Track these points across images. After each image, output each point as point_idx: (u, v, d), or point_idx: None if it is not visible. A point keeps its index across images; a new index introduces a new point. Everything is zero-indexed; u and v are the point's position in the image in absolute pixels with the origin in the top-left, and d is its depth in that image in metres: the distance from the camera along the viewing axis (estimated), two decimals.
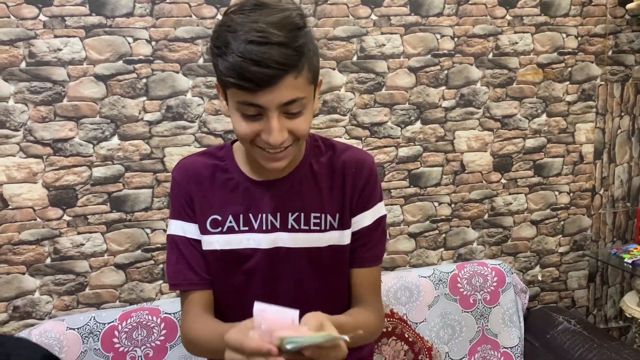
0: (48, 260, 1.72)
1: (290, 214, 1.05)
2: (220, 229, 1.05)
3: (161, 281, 1.83)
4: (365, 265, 1.12)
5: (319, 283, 1.09)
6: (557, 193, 2.15)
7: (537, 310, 2.08)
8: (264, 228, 1.05)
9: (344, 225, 1.08)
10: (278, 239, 1.05)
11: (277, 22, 0.85)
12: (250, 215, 1.04)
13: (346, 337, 0.81)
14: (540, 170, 2.11)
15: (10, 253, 1.69)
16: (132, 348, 1.61)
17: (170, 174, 1.77)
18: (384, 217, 1.14)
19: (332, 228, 1.07)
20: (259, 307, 0.80)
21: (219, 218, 1.05)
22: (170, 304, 1.70)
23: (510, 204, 2.11)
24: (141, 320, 1.64)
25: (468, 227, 2.08)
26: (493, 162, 2.06)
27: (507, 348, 1.91)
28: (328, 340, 0.79)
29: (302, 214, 1.05)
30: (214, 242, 1.06)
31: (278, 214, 1.04)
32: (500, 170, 2.07)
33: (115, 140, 1.73)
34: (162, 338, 1.64)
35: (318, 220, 1.06)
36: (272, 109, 0.88)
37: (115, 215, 1.76)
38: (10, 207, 1.68)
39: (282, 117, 0.90)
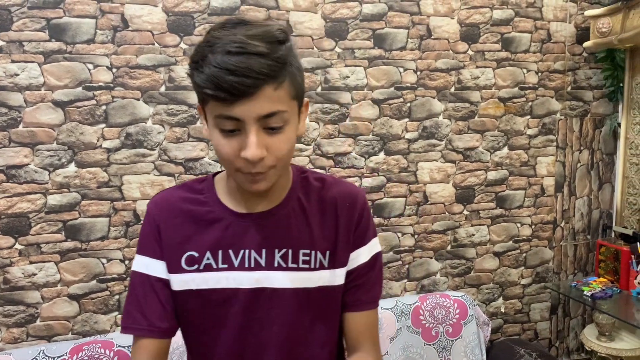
0: None
1: (277, 251, 0.96)
2: (196, 266, 0.97)
3: (117, 312, 1.78)
4: (362, 308, 1.03)
5: (309, 328, 0.99)
6: (519, 225, 2.17)
7: (499, 343, 2.07)
8: (247, 266, 0.96)
9: (335, 264, 1.00)
10: (262, 279, 0.96)
11: (256, 34, 0.82)
12: (231, 251, 0.96)
13: None
14: (502, 202, 2.14)
15: None
16: None
17: (127, 202, 1.75)
18: (380, 253, 1.05)
19: (322, 267, 0.98)
20: None
21: (196, 254, 0.96)
22: (124, 336, 1.65)
23: (473, 235, 2.12)
24: (93, 354, 1.58)
25: (431, 258, 2.09)
26: (455, 193, 2.08)
27: None
28: None
29: (290, 251, 0.97)
30: (189, 280, 0.97)
31: (263, 250, 0.96)
32: (462, 201, 2.09)
33: (72, 168, 1.69)
34: None
35: (307, 258, 0.98)
36: (249, 122, 0.82)
37: (70, 244, 1.71)
38: None
39: (261, 133, 0.83)
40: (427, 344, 1.88)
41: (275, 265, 0.96)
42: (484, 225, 2.13)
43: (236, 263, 0.96)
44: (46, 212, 1.68)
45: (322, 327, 1.01)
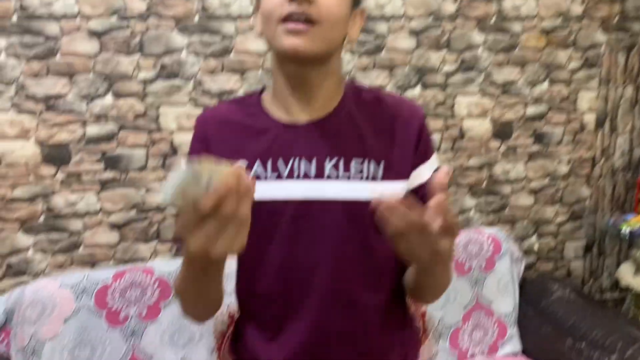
0: (42, 218, 1.71)
1: (328, 159, 0.93)
2: None
3: (156, 241, 1.82)
4: None
5: (360, 244, 0.95)
6: (556, 162, 2.13)
7: (532, 279, 2.07)
8: (296, 175, 0.93)
9: (391, 175, 0.95)
10: (313, 189, 0.93)
11: None
12: (280, 160, 0.93)
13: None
14: (540, 138, 2.09)
15: (3, 210, 1.68)
16: (125, 306, 1.61)
17: (164, 134, 1.76)
18: (439, 169, 1.03)
19: (376, 177, 0.94)
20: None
21: (245, 164, 0.94)
22: (164, 264, 1.70)
23: (509, 172, 2.09)
24: (135, 279, 1.64)
25: (466, 194, 2.07)
26: (493, 129, 2.03)
27: (501, 315, 1.91)
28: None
29: (342, 159, 0.93)
30: None
31: (313, 158, 0.93)
32: (499, 137, 2.05)
33: (108, 98, 1.70)
34: (155, 298, 1.64)
35: (360, 167, 0.94)
36: None
37: (109, 174, 1.74)
38: (2, 164, 1.66)
39: None
40: (459, 277, 1.89)
41: (326, 175, 0.93)
42: (520, 161, 2.09)
43: (285, 173, 0.93)
44: (85, 142, 1.71)
45: (376, 244, 0.96)
